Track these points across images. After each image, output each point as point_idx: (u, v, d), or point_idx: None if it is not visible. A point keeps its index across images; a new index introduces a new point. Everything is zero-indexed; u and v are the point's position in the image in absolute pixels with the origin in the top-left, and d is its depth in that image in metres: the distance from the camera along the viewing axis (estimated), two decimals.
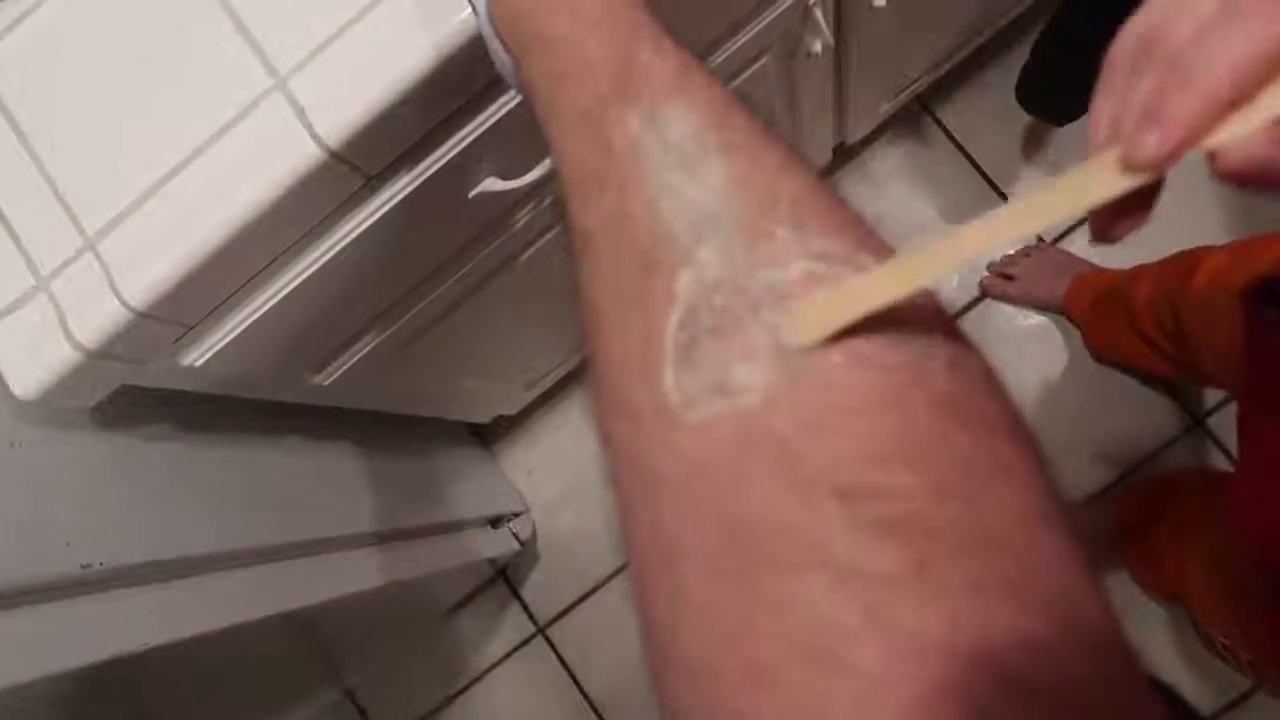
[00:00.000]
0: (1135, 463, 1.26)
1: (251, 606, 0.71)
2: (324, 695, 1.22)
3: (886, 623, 0.21)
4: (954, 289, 1.31)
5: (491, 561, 1.31)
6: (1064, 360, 1.28)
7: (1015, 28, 1.21)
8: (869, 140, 1.31)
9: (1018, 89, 1.12)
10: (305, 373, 0.74)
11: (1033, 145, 1.30)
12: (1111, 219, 0.26)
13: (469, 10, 0.48)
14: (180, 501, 0.68)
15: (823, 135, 1.15)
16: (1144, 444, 1.26)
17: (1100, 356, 1.25)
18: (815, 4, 0.78)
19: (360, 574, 0.90)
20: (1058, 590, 0.22)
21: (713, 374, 0.24)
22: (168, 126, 0.52)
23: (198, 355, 0.59)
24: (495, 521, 1.31)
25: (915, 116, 1.33)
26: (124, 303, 0.51)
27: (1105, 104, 0.26)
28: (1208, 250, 0.90)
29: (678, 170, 0.27)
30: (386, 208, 0.58)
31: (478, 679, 1.41)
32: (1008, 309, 1.29)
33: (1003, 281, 1.27)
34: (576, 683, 1.38)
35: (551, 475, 1.41)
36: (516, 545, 1.32)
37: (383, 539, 0.97)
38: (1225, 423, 1.24)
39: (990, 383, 0.26)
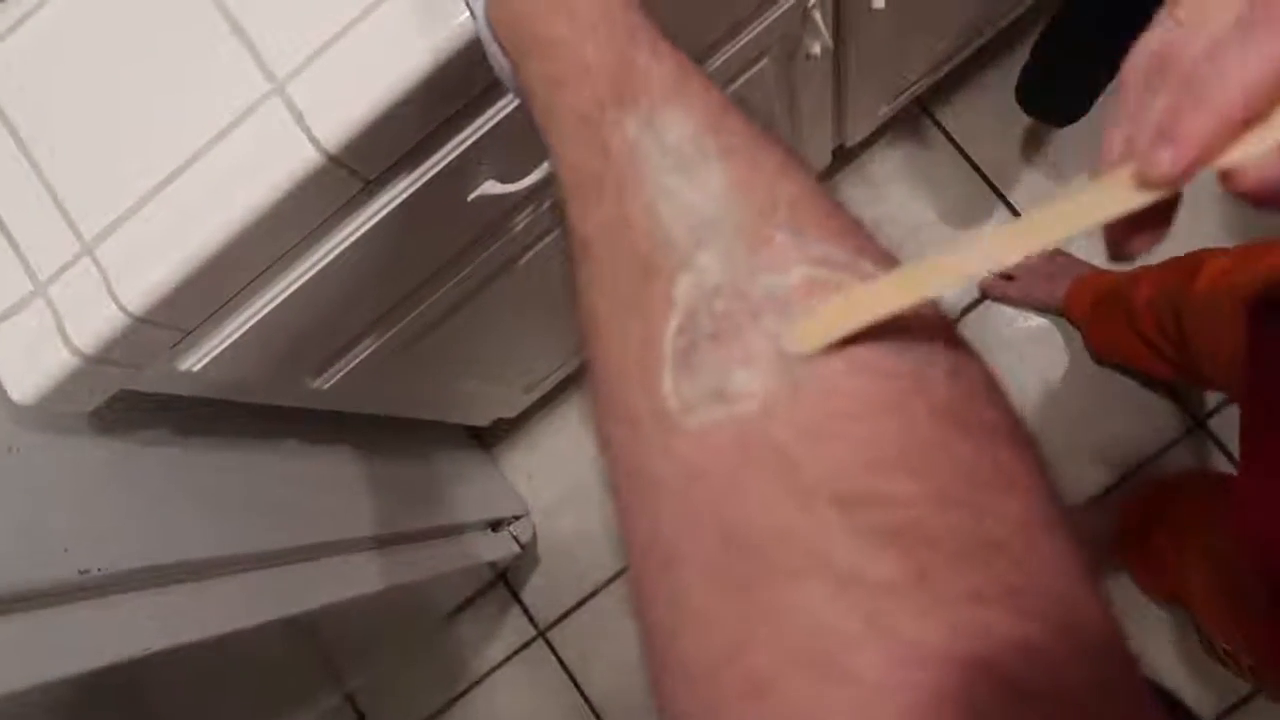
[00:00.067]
0: (1136, 465, 1.26)
1: (251, 612, 0.70)
2: (324, 700, 1.22)
3: (887, 630, 0.21)
4: (954, 291, 1.31)
5: (492, 565, 1.31)
6: (1064, 362, 1.28)
7: (1015, 29, 1.21)
8: (868, 142, 1.31)
9: (1017, 90, 1.11)
10: (304, 377, 0.74)
11: (1033, 147, 1.30)
12: (1127, 234, 0.26)
13: (467, 14, 0.48)
14: (179, 506, 0.68)
15: (822, 138, 1.15)
16: (1145, 446, 1.26)
17: (1100, 358, 1.25)
18: (814, 6, 0.78)
19: (360, 578, 0.90)
20: (1058, 596, 0.22)
21: (712, 380, 0.24)
22: (166, 131, 0.52)
23: (196, 360, 0.59)
24: (495, 525, 1.31)
25: (915, 119, 1.33)
26: (122, 308, 0.51)
27: (1119, 122, 0.26)
28: (1209, 253, 0.89)
29: (676, 174, 0.27)
30: (385, 211, 0.58)
31: (478, 682, 1.41)
32: (1008, 311, 1.29)
33: (1003, 283, 1.27)
34: (577, 686, 1.38)
35: (551, 478, 1.41)
36: (517, 549, 1.31)
37: (382, 543, 0.97)
38: (1226, 424, 1.24)
39: (991, 388, 0.26)
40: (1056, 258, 1.26)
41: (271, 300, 0.58)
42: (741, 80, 0.82)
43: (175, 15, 0.52)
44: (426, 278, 0.72)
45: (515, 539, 1.32)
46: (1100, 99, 1.06)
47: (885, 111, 1.21)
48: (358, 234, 0.58)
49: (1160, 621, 1.18)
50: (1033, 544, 0.22)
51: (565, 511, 1.39)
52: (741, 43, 0.75)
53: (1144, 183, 0.23)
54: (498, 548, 1.28)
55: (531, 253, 0.81)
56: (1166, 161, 0.23)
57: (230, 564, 0.71)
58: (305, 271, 0.58)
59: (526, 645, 1.40)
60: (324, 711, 1.25)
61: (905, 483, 0.22)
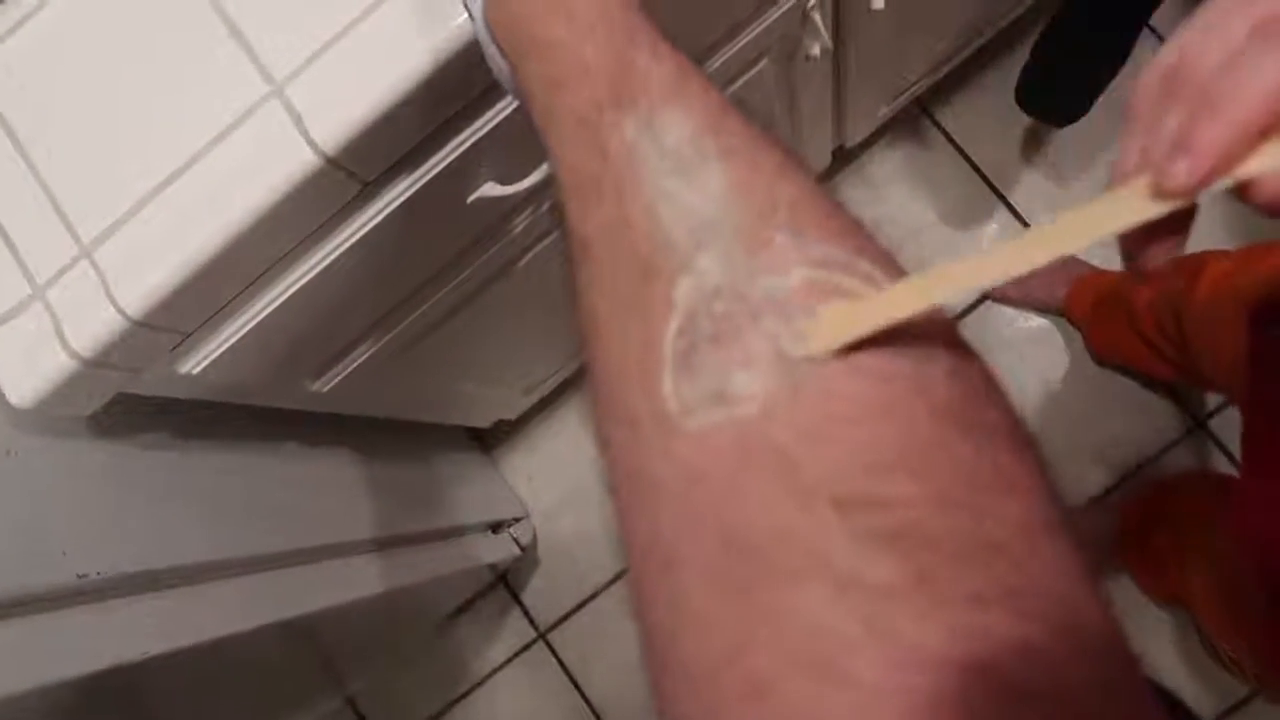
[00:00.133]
0: (1136, 465, 1.25)
1: (250, 615, 0.70)
2: (324, 703, 1.22)
3: (886, 633, 0.21)
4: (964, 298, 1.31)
5: (492, 567, 1.31)
6: (1064, 363, 1.28)
7: (1015, 29, 1.21)
8: (868, 143, 1.31)
9: (1017, 90, 1.11)
10: (303, 379, 0.73)
11: (1033, 147, 1.30)
12: (1143, 243, 0.25)
13: (465, 15, 0.48)
14: (178, 509, 0.68)
15: (822, 139, 1.15)
16: (1145, 446, 1.26)
17: (1101, 359, 1.25)
18: (813, 7, 0.78)
19: (360, 581, 0.90)
20: (1058, 597, 0.22)
21: (712, 382, 0.24)
22: (164, 133, 0.51)
23: (194, 363, 0.59)
24: (495, 527, 1.31)
25: (915, 119, 1.32)
26: (120, 311, 0.51)
27: (1133, 136, 0.26)
28: (1211, 255, 0.89)
29: (675, 176, 0.27)
30: (384, 214, 0.58)
31: (479, 685, 1.41)
32: (1008, 311, 1.29)
33: (1003, 284, 1.27)
34: (577, 687, 1.38)
35: (552, 480, 1.40)
36: (517, 550, 1.31)
37: (382, 545, 0.97)
38: (1226, 425, 1.24)
39: (991, 390, 0.26)
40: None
41: (270, 303, 0.58)
42: (741, 81, 0.81)
43: (173, 18, 0.52)
44: (425, 280, 0.72)
45: (515, 541, 1.32)
46: (1100, 99, 1.06)
47: (885, 112, 1.21)
48: (356, 236, 0.58)
49: (1161, 622, 1.18)
50: (1033, 545, 0.22)
51: (565, 513, 1.39)
52: (741, 44, 0.75)
53: (1160, 193, 0.23)
54: (498, 550, 1.28)
55: (531, 255, 0.81)
56: (1183, 172, 0.23)
57: (229, 567, 0.71)
58: (304, 274, 0.58)
59: (527, 647, 1.40)
60: (325, 714, 1.25)
61: (905, 484, 0.22)
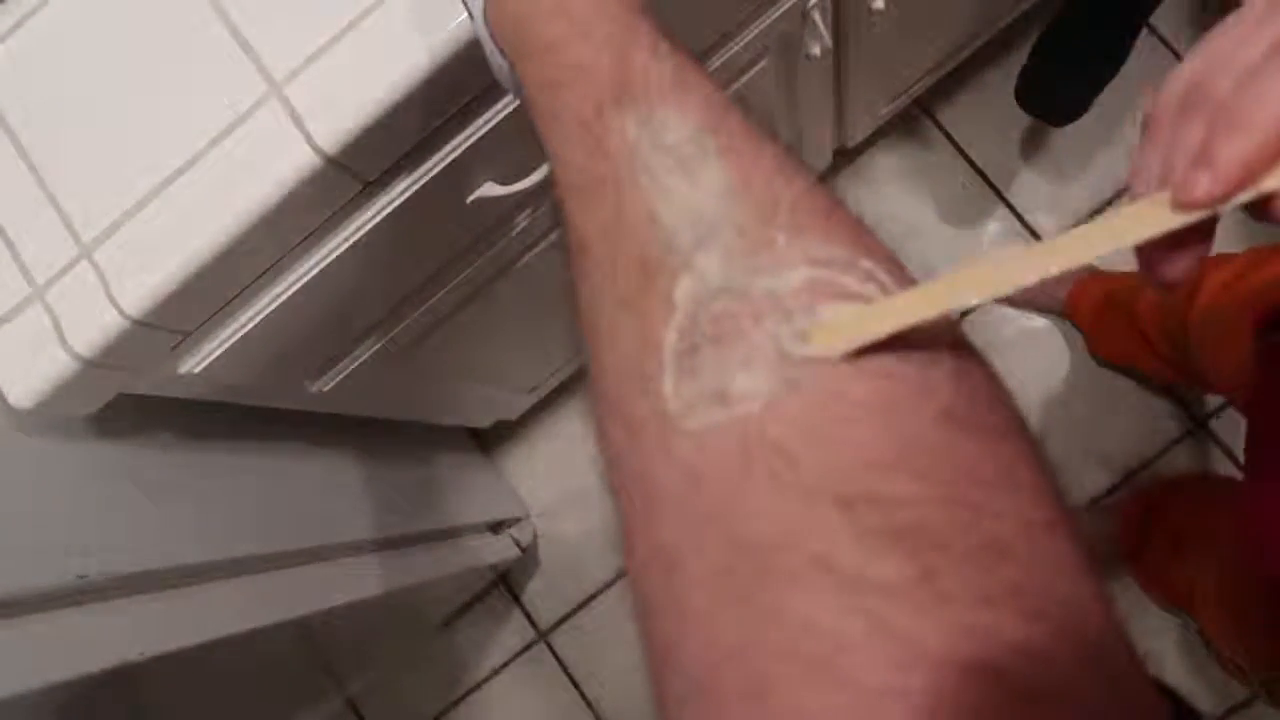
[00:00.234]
0: (1137, 466, 1.25)
1: (250, 615, 0.70)
2: (324, 704, 1.22)
3: (889, 633, 0.20)
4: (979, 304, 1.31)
5: (492, 567, 1.30)
6: (1065, 364, 1.28)
7: (1015, 30, 1.21)
8: (869, 143, 1.31)
9: (1017, 89, 1.12)
10: (303, 379, 0.73)
11: (1033, 147, 1.30)
12: (1165, 253, 0.25)
13: (465, 15, 0.48)
14: (178, 510, 0.68)
15: (822, 138, 1.15)
16: (1145, 447, 1.26)
17: (1102, 360, 1.25)
18: (814, 6, 0.78)
19: (360, 581, 0.90)
20: (1062, 598, 0.22)
21: (713, 382, 0.24)
22: (164, 133, 0.51)
23: (195, 363, 0.59)
24: (496, 527, 1.31)
25: (915, 119, 1.32)
26: (120, 311, 0.51)
27: (1151, 153, 0.26)
28: (1213, 261, 0.89)
29: (676, 175, 0.27)
30: (384, 213, 0.58)
31: (479, 685, 1.41)
32: (1009, 312, 1.29)
33: None
34: (578, 688, 1.38)
35: (552, 480, 1.40)
36: (517, 551, 1.31)
37: (383, 546, 0.96)
38: (1227, 425, 1.24)
39: (994, 390, 0.26)
40: None
41: (270, 303, 0.58)
42: (741, 81, 0.81)
43: (173, 18, 0.52)
44: (425, 280, 0.72)
45: (516, 541, 1.32)
46: (1099, 98, 1.06)
47: (885, 112, 1.21)
48: (356, 236, 0.58)
49: (1164, 621, 1.17)
50: (1037, 545, 0.22)
51: (566, 514, 1.39)
52: (741, 43, 0.75)
53: (1180, 206, 0.23)
54: (498, 550, 1.28)
55: (531, 254, 0.80)
56: (1204, 185, 0.23)
57: (230, 568, 0.71)
58: (304, 274, 0.58)
59: (527, 648, 1.40)
60: (325, 715, 1.25)
61: (908, 484, 0.22)
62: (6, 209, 0.53)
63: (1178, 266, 0.25)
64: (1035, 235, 1.30)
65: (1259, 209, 0.24)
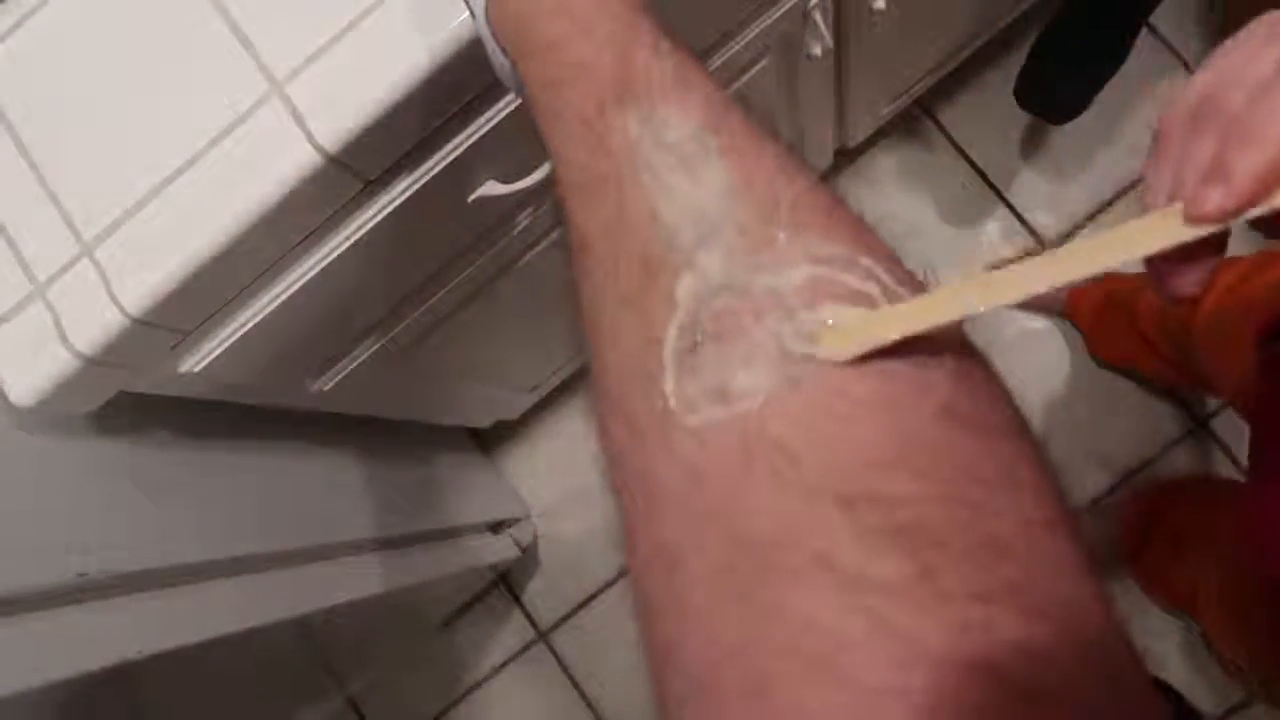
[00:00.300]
0: (1137, 467, 1.25)
1: (250, 614, 0.70)
2: (325, 703, 1.22)
3: (890, 631, 0.20)
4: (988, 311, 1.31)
5: (492, 567, 1.30)
6: (1066, 364, 1.28)
7: (1015, 30, 1.21)
8: (869, 143, 1.31)
9: (1016, 87, 1.12)
10: (304, 378, 0.73)
11: (1032, 146, 1.30)
12: (1175, 266, 0.25)
13: (466, 14, 0.48)
14: (178, 508, 0.68)
15: (823, 138, 1.15)
16: (1146, 448, 1.26)
17: (1102, 362, 1.25)
18: (815, 6, 0.78)
19: (360, 580, 0.90)
20: (1061, 597, 0.22)
21: (714, 379, 0.24)
22: (165, 132, 0.51)
23: (195, 361, 0.59)
24: (496, 527, 1.31)
25: (916, 119, 1.32)
26: (121, 309, 0.51)
27: (1162, 168, 0.26)
28: (1220, 263, 0.89)
29: (677, 173, 0.27)
30: (385, 212, 0.58)
31: (479, 685, 1.41)
32: (1010, 312, 1.29)
33: None
34: (578, 688, 1.37)
35: (552, 480, 1.40)
36: (517, 551, 1.31)
37: (383, 545, 0.96)
38: (1228, 426, 1.24)
39: (995, 389, 0.26)
40: None
41: (271, 301, 0.58)
42: (742, 80, 0.81)
43: (174, 17, 0.52)
44: (426, 279, 0.72)
45: (516, 542, 1.32)
46: (1098, 97, 1.06)
47: (886, 112, 1.21)
48: (357, 235, 0.58)
49: (1164, 622, 1.17)
50: (1037, 544, 0.22)
51: (566, 513, 1.39)
52: (742, 43, 0.75)
53: (1192, 219, 0.24)
54: (498, 550, 1.28)
55: (532, 253, 0.80)
56: (1217, 198, 0.23)
57: (230, 566, 0.71)
58: (305, 273, 0.58)
59: (527, 648, 1.40)
60: (325, 715, 1.25)
61: (909, 482, 0.22)
62: (8, 207, 0.53)
63: (1188, 280, 0.25)
64: (1035, 235, 1.30)
65: (1270, 223, 0.24)
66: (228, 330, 0.58)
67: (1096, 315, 1.20)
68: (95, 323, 0.51)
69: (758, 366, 0.24)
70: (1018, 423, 0.25)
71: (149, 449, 0.68)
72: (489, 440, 1.41)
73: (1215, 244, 0.24)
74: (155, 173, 0.51)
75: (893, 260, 0.27)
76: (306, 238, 0.56)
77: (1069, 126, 1.16)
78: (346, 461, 0.97)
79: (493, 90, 0.55)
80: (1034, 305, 1.27)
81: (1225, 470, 1.23)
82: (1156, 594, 1.12)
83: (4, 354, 0.52)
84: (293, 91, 0.50)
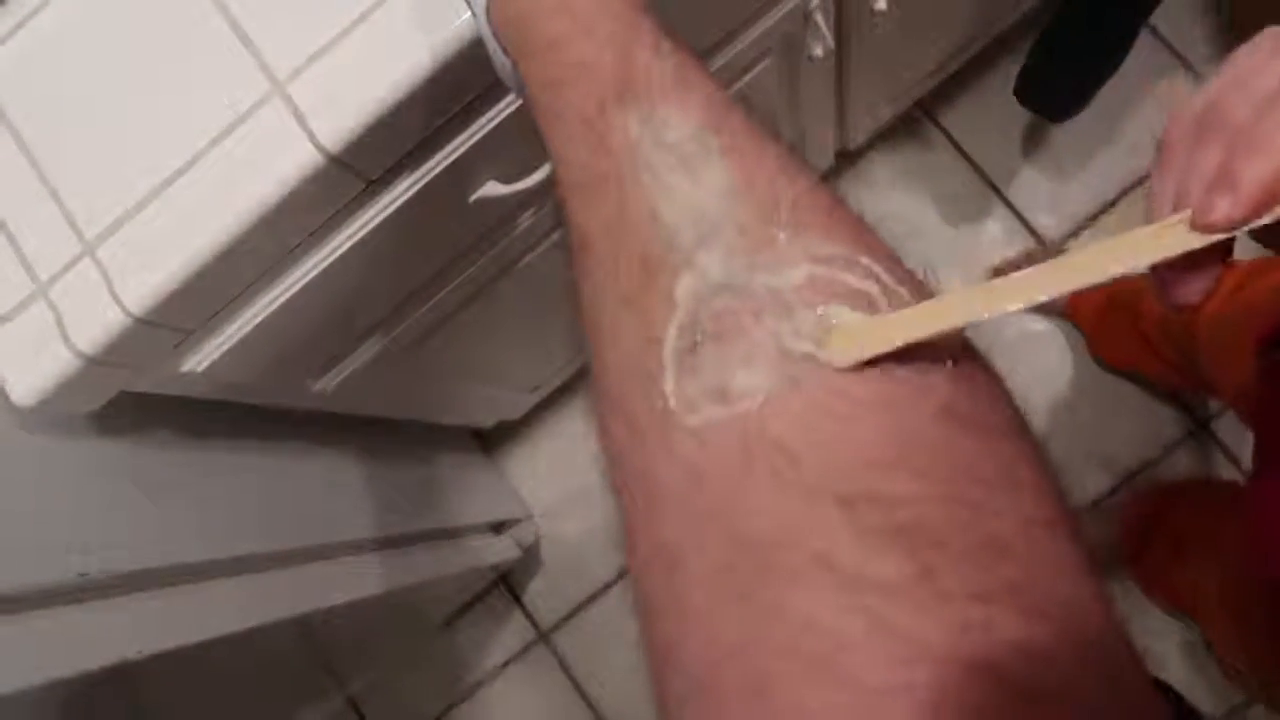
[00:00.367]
0: (1138, 468, 1.25)
1: (251, 614, 0.70)
2: (325, 703, 1.22)
3: (889, 630, 0.20)
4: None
5: (493, 568, 1.30)
6: (1068, 365, 1.28)
7: (1017, 31, 1.21)
8: (870, 145, 1.31)
9: (1017, 85, 1.12)
10: (306, 378, 0.73)
11: (1033, 147, 1.30)
12: (1180, 274, 0.25)
13: (468, 13, 0.48)
14: (179, 508, 0.68)
15: (824, 139, 1.15)
16: (1147, 449, 1.25)
17: (1105, 364, 1.25)
18: (816, 8, 0.78)
19: (361, 580, 0.90)
20: (1061, 597, 0.22)
21: (714, 379, 0.24)
22: (167, 132, 0.51)
23: (197, 361, 0.59)
24: (498, 527, 1.31)
25: (917, 120, 1.32)
26: (123, 309, 0.51)
27: (1167, 178, 0.26)
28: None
29: (678, 172, 0.27)
30: (387, 212, 0.58)
31: (480, 686, 1.41)
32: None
33: None
34: (579, 688, 1.37)
35: (554, 480, 1.40)
36: (518, 551, 1.31)
37: (384, 545, 0.96)
38: (1229, 427, 1.24)
39: (996, 390, 0.26)
40: None
41: (273, 301, 0.58)
42: (743, 81, 0.81)
43: (176, 16, 0.52)
44: (428, 279, 0.72)
45: (517, 542, 1.32)
46: (1101, 100, 1.06)
47: (888, 113, 1.21)
48: (359, 235, 0.58)
49: (1164, 622, 1.17)
50: (1036, 543, 0.22)
51: (567, 514, 1.39)
52: (743, 44, 0.75)
53: (1198, 228, 0.24)
54: (499, 551, 1.28)
55: (534, 254, 0.80)
56: (1224, 207, 0.23)
57: (231, 566, 0.71)
58: (307, 272, 0.58)
59: (528, 649, 1.40)
60: (325, 715, 1.25)
61: (909, 482, 0.22)
62: (10, 206, 0.53)
63: (1193, 288, 0.25)
64: (1036, 235, 1.30)
65: (1269, 232, 0.24)
66: (230, 330, 0.58)
67: (1099, 317, 1.20)
68: (97, 322, 0.51)
69: (758, 366, 0.24)
70: (1018, 423, 0.26)
71: (150, 449, 0.68)
72: (491, 440, 1.41)
73: (1219, 252, 0.25)
74: (157, 172, 0.51)
75: (893, 260, 0.27)
76: (308, 237, 0.56)
77: (1070, 127, 1.16)
78: (347, 461, 0.97)
79: (494, 90, 0.55)
80: (1035, 306, 1.27)
81: (1227, 473, 1.23)
82: (1157, 596, 1.12)
83: (6, 353, 0.53)
84: (294, 91, 0.50)
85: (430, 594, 1.19)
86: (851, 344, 0.24)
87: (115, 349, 0.52)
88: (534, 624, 1.40)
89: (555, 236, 0.79)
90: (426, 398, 1.04)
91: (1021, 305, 0.24)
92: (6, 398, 0.53)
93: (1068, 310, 1.24)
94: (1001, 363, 0.27)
